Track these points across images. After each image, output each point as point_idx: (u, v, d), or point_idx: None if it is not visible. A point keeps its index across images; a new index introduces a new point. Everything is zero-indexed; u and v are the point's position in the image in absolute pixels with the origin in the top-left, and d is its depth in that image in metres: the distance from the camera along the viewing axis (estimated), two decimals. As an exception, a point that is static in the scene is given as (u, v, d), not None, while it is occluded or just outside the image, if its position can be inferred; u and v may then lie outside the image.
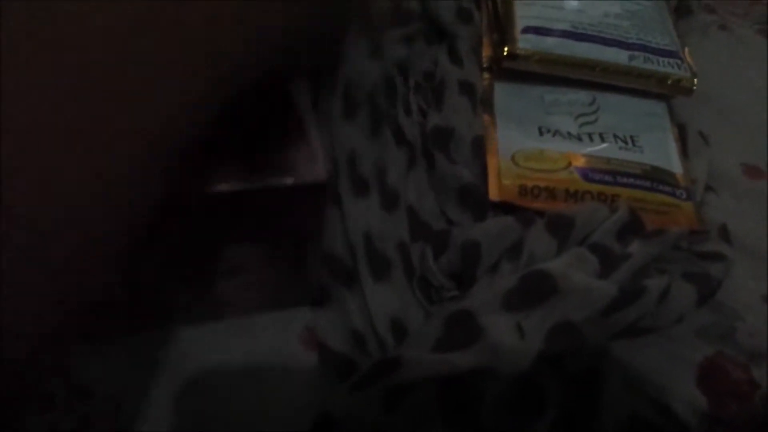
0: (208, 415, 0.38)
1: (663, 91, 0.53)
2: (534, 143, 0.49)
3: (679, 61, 0.53)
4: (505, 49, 0.52)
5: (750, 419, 0.41)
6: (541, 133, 0.50)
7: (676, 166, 0.49)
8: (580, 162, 0.48)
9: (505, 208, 0.46)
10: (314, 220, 0.38)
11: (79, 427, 0.37)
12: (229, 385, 0.39)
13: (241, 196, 0.34)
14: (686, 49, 0.54)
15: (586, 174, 0.48)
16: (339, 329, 0.41)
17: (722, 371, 0.42)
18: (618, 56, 0.52)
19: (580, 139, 0.50)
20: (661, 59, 0.53)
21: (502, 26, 0.53)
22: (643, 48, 0.54)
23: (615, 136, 0.50)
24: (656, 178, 0.48)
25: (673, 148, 0.50)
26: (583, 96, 0.52)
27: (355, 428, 0.38)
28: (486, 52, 0.54)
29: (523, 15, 0.53)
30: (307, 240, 0.39)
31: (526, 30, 0.52)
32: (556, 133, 0.50)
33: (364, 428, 0.38)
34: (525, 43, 0.51)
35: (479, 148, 0.48)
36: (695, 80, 0.52)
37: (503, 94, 0.52)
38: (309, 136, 0.36)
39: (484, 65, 0.53)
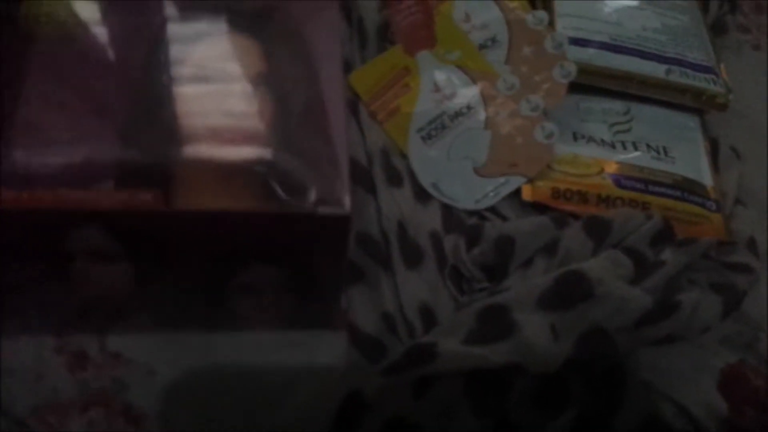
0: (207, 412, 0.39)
1: (698, 105, 0.54)
2: (568, 148, 0.49)
3: (714, 77, 0.54)
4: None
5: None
6: (575, 139, 0.50)
7: (706, 178, 0.50)
8: (612, 168, 0.49)
9: (537, 209, 0.47)
10: (337, 250, 0.38)
11: (112, 386, 0.38)
12: (234, 386, 0.40)
13: (264, 217, 0.34)
14: (722, 66, 0.55)
15: (618, 180, 0.48)
16: (370, 310, 0.42)
17: (743, 379, 0.43)
18: (655, 70, 0.53)
19: (613, 146, 0.50)
20: (697, 74, 0.54)
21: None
22: (680, 62, 0.54)
23: (648, 146, 0.51)
24: (687, 188, 0.49)
25: (704, 160, 0.51)
26: (617, 105, 0.53)
27: (383, 411, 0.38)
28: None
29: (563, 26, 0.54)
30: (327, 269, 0.39)
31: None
32: (590, 139, 0.51)
33: (392, 411, 0.38)
34: (565, 53, 0.52)
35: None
36: (730, 96, 0.53)
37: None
38: (340, 166, 0.36)
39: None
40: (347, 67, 0.50)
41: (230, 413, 0.39)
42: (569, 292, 0.39)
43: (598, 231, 0.43)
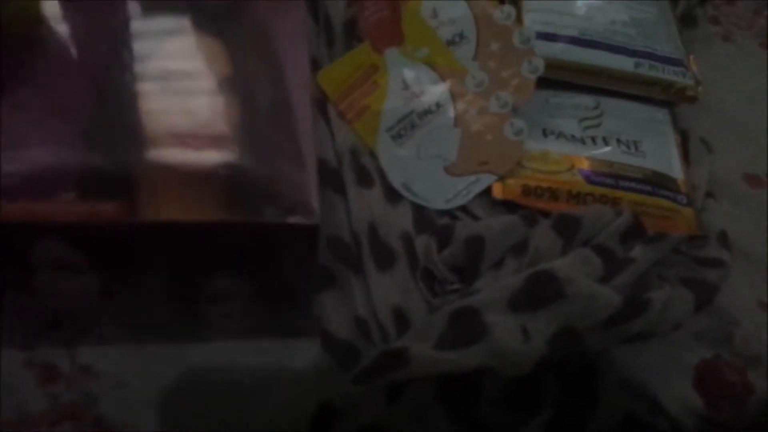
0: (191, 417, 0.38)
1: (667, 98, 0.54)
2: (538, 144, 0.49)
3: (683, 70, 0.54)
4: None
5: (744, 422, 0.42)
6: (545, 135, 0.50)
7: (677, 171, 0.50)
8: (583, 164, 0.49)
9: (509, 207, 0.47)
10: (306, 258, 0.37)
11: (83, 399, 0.38)
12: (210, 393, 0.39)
13: (231, 227, 0.34)
14: (691, 58, 0.55)
15: (588, 176, 0.48)
16: (343, 316, 0.41)
17: (718, 374, 0.43)
18: (624, 63, 0.53)
19: (583, 142, 0.50)
20: (666, 67, 0.54)
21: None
22: (649, 56, 0.54)
23: (618, 141, 0.51)
24: (657, 182, 0.49)
25: (675, 154, 0.51)
26: (587, 100, 0.53)
27: (356, 418, 0.38)
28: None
29: (530, 20, 0.54)
30: (296, 276, 0.38)
31: (535, 36, 0.52)
32: (560, 135, 0.50)
33: (365, 418, 0.38)
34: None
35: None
36: (699, 88, 0.53)
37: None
38: (308, 172, 0.35)
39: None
40: (315, 66, 0.50)
41: (203, 423, 0.38)
42: (539, 292, 0.39)
43: (568, 229, 0.43)
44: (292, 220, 0.34)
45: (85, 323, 0.39)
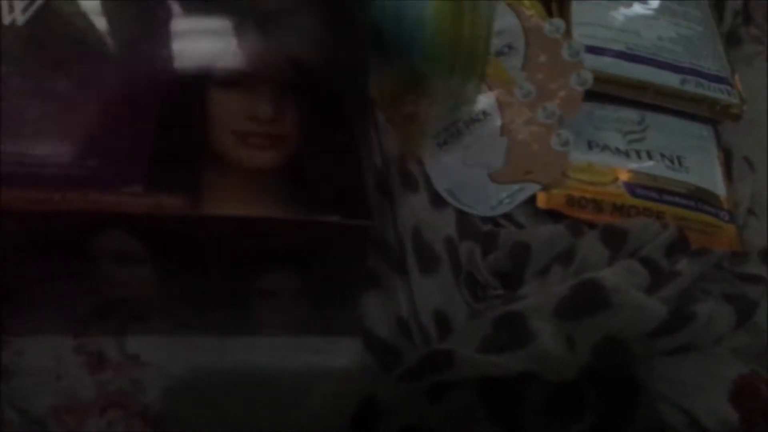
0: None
1: (712, 115, 0.54)
2: (583, 156, 0.50)
3: (729, 88, 0.54)
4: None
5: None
6: (590, 147, 0.51)
7: (720, 188, 0.50)
8: (626, 177, 0.49)
9: (552, 216, 0.47)
10: (357, 259, 0.38)
11: (130, 387, 0.39)
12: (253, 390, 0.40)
13: (288, 224, 0.34)
14: (736, 76, 0.55)
15: (632, 189, 0.49)
16: (385, 316, 0.42)
17: (755, 390, 0.43)
18: (670, 79, 0.53)
19: (627, 155, 0.51)
20: (711, 84, 0.54)
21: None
22: (695, 72, 0.55)
23: (662, 155, 0.51)
24: (700, 198, 0.49)
25: (718, 170, 0.51)
26: (632, 114, 0.53)
27: (398, 417, 0.39)
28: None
29: (579, 34, 0.54)
30: (346, 276, 0.39)
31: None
32: (604, 147, 0.51)
33: (407, 418, 0.39)
34: (581, 61, 0.53)
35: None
36: (744, 107, 0.53)
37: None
38: (364, 175, 0.36)
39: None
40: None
41: (245, 417, 0.39)
42: (585, 301, 0.40)
43: (615, 240, 0.44)
44: (347, 220, 0.35)
45: (137, 313, 0.40)
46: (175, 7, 0.40)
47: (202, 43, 0.39)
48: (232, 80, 0.37)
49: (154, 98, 0.36)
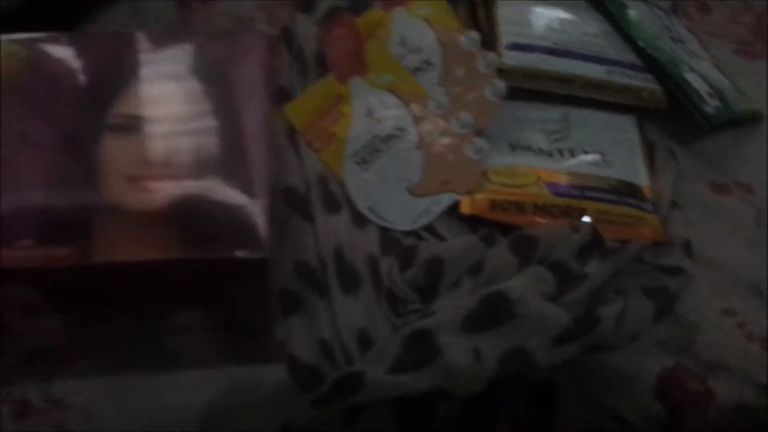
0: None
1: (638, 103, 0.54)
2: (505, 159, 0.50)
3: (653, 77, 0.54)
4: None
5: (707, 429, 0.42)
6: (513, 149, 0.51)
7: (643, 179, 0.51)
8: (549, 177, 0.50)
9: (475, 224, 0.48)
10: (259, 290, 0.39)
11: None
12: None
13: (182, 263, 0.35)
14: (661, 65, 0.55)
15: (554, 188, 0.49)
16: (308, 340, 0.43)
17: (680, 382, 0.43)
18: (597, 71, 0.54)
19: (550, 154, 0.51)
20: (636, 74, 0.55)
21: (486, 43, 0.54)
22: (620, 64, 0.55)
23: (585, 152, 0.51)
24: (623, 191, 0.49)
25: (640, 162, 0.52)
26: (555, 113, 0.53)
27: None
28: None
29: (506, 32, 0.55)
30: (253, 306, 0.40)
31: (510, 47, 0.54)
32: (527, 148, 0.51)
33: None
34: (509, 59, 0.53)
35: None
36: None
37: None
38: (260, 208, 0.37)
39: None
40: (286, 96, 0.52)
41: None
42: (491, 313, 0.40)
43: (525, 248, 0.44)
44: (241, 254, 0.36)
45: (57, 359, 0.41)
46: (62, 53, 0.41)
47: (98, 90, 0.41)
48: (124, 126, 0.39)
49: (46, 149, 0.37)
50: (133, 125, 0.39)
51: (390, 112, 0.50)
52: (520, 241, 0.45)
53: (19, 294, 0.35)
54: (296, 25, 0.55)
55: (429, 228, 0.48)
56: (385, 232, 0.47)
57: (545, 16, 0.57)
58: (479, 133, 0.50)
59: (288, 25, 0.56)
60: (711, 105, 0.54)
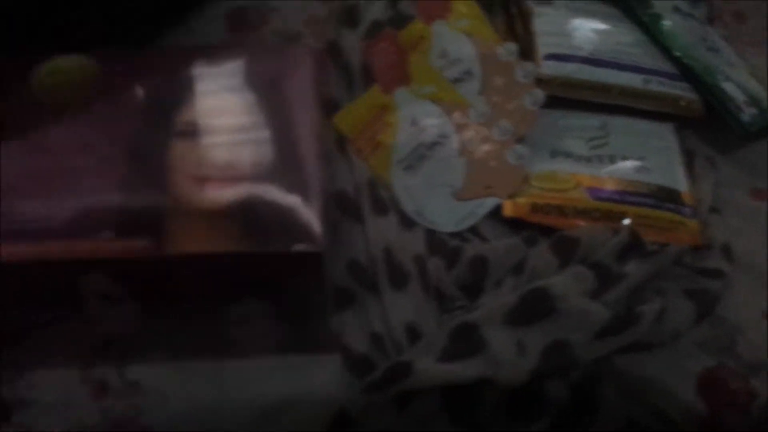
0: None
1: (676, 112, 0.56)
2: (546, 165, 0.52)
3: (689, 86, 0.56)
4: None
5: (747, 428, 0.43)
6: (553, 156, 0.53)
7: (682, 185, 0.52)
8: (589, 182, 0.51)
9: (517, 227, 0.50)
10: (315, 282, 0.41)
11: (131, 412, 0.43)
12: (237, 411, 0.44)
13: (244, 257, 0.38)
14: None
15: (595, 193, 0.51)
16: (360, 332, 0.45)
17: (721, 381, 0.44)
18: (633, 80, 0.56)
19: (590, 160, 0.53)
20: (673, 83, 0.56)
21: (524, 54, 0.56)
22: (656, 72, 0.57)
23: (624, 158, 0.53)
24: (662, 196, 0.51)
25: (680, 169, 0.53)
26: (594, 121, 0.55)
27: (368, 425, 0.42)
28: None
29: (543, 43, 0.57)
30: (310, 298, 0.43)
31: (548, 57, 0.56)
32: (567, 155, 0.53)
33: (377, 425, 0.42)
34: (547, 68, 0.55)
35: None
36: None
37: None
38: (314, 207, 0.40)
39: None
40: (335, 107, 0.55)
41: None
42: (533, 308, 0.42)
43: (565, 249, 0.46)
44: (298, 248, 0.38)
45: (132, 344, 0.44)
46: (132, 67, 0.44)
47: (166, 100, 0.44)
48: (189, 132, 0.42)
49: (121, 151, 0.41)
50: (197, 132, 0.42)
51: (433, 121, 0.53)
52: (560, 242, 0.47)
53: (99, 283, 0.39)
54: (341, 40, 0.58)
55: (473, 230, 0.50)
56: (431, 233, 0.49)
57: (581, 27, 0.59)
58: (519, 140, 0.52)
59: (333, 39, 0.58)
60: (747, 113, 0.55)
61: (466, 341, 0.42)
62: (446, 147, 0.52)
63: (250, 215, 0.39)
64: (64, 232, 0.38)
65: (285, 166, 0.41)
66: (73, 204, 0.39)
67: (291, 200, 0.40)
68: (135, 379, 0.44)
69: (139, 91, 0.44)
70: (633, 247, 0.46)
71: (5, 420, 0.42)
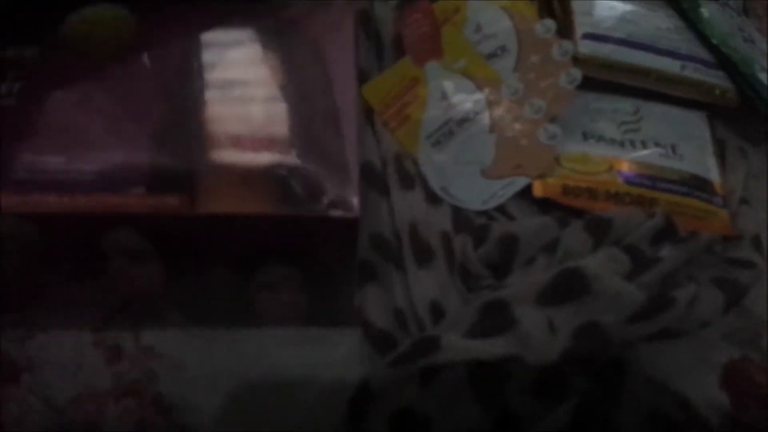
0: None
1: (710, 100, 0.55)
2: (578, 147, 0.51)
3: (725, 74, 0.55)
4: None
5: (772, 421, 0.43)
6: (585, 138, 0.52)
7: (714, 175, 0.51)
8: (622, 166, 0.50)
9: (546, 207, 0.49)
10: (347, 251, 0.41)
11: (146, 378, 0.42)
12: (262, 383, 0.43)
13: (280, 220, 0.38)
14: (734, 64, 0.56)
15: (627, 177, 0.50)
16: (383, 307, 0.44)
17: (746, 374, 0.44)
18: (671, 65, 0.55)
19: (622, 145, 0.52)
20: (710, 71, 0.55)
21: (561, 32, 0.55)
22: (694, 59, 0.56)
23: (656, 144, 0.52)
24: (694, 185, 0.50)
25: (711, 158, 0.52)
26: (627, 105, 0.54)
27: (391, 400, 0.41)
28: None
29: (581, 22, 0.56)
30: (339, 268, 0.42)
31: (585, 36, 0.55)
32: (599, 138, 0.52)
33: (399, 401, 0.41)
34: (584, 48, 0.54)
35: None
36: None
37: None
38: (351, 172, 0.39)
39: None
40: (364, 77, 0.53)
41: (251, 403, 0.42)
42: (566, 288, 0.41)
43: (599, 229, 0.45)
44: (334, 213, 0.37)
45: (150, 307, 0.43)
46: (168, 20, 0.43)
47: (203, 54, 0.43)
48: (226, 90, 0.41)
49: (155, 107, 0.40)
50: (235, 90, 0.41)
51: (464, 96, 0.51)
52: (594, 222, 0.46)
53: (125, 240, 0.38)
54: (373, 9, 0.57)
55: (501, 209, 0.49)
56: (457, 210, 0.49)
57: (619, 9, 0.57)
58: (552, 119, 0.51)
59: (365, 8, 0.57)
60: (783, 105, 0.54)
61: (496, 318, 0.41)
62: (476, 123, 0.51)
63: (286, 178, 0.38)
64: (93, 185, 0.37)
65: (324, 131, 0.40)
66: (103, 158, 0.38)
67: (328, 165, 0.39)
68: (150, 344, 0.43)
69: (176, 46, 0.43)
70: (667, 232, 0.46)
71: (14, 381, 0.41)
